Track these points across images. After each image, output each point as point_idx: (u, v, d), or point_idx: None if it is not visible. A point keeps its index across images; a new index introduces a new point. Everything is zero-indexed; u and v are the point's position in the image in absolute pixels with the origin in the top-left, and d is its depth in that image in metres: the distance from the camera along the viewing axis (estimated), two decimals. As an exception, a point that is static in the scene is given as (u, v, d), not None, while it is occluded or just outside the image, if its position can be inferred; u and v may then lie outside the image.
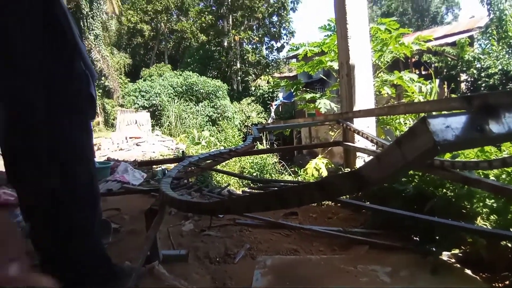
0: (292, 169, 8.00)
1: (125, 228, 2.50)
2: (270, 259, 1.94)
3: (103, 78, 19.35)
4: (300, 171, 5.88)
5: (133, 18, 25.89)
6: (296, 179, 5.70)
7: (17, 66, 1.09)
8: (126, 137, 13.39)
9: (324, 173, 4.50)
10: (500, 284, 1.61)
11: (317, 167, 4.57)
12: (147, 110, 17.22)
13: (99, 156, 9.32)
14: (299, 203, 0.91)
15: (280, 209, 2.31)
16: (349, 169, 3.36)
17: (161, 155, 10.36)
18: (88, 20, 17.55)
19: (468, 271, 1.75)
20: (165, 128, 17.00)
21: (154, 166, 5.12)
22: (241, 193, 3.32)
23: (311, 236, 2.26)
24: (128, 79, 22.16)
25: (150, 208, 1.66)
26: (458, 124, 0.57)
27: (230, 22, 25.45)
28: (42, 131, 1.12)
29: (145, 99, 17.72)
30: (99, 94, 18.57)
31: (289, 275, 1.78)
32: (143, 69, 23.82)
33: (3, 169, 1.15)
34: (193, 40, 28.17)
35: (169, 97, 17.78)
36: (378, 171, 0.68)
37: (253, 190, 2.95)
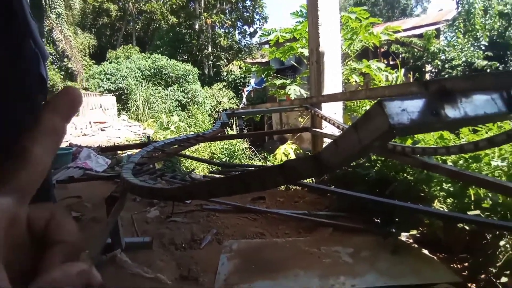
0: (262, 155, 8.06)
1: (87, 216, 2.40)
2: (236, 243, 1.95)
3: (65, 59, 18.06)
4: (270, 157, 5.93)
5: (99, -4, 24.26)
6: (263, 164, 5.75)
7: None
8: (90, 122, 12.73)
9: (293, 158, 4.56)
10: (458, 265, 1.71)
11: (286, 152, 4.63)
12: (112, 94, 16.38)
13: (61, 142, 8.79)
14: (262, 187, 0.90)
15: (243, 193, 2.31)
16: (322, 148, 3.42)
17: (127, 140, 9.98)
18: (50, -3, 16.19)
19: (426, 251, 1.86)
20: (132, 112, 16.33)
21: (119, 152, 4.92)
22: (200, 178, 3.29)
23: (277, 219, 2.30)
24: (93, 61, 20.86)
25: (111, 195, 1.58)
26: (414, 108, 0.58)
27: (202, 5, 24.57)
28: None
29: (110, 82, 16.82)
30: (61, 77, 17.40)
31: (254, 259, 1.81)
32: (109, 51, 22.44)
33: None
34: (163, 22, 26.92)
35: (137, 80, 17.02)
36: (336, 155, 0.68)
37: (215, 175, 2.92)
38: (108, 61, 19.45)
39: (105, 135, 10.92)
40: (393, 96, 1.64)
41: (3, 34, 1.07)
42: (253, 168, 3.11)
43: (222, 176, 2.25)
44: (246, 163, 6.14)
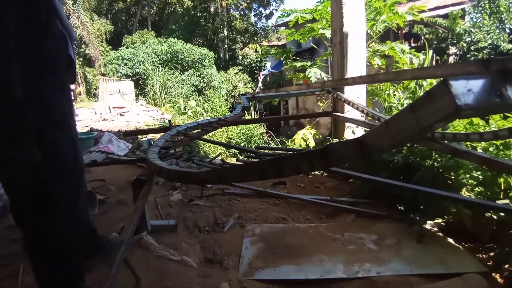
0: (279, 139, 8.00)
1: (111, 199, 2.45)
2: (259, 227, 1.95)
3: (83, 45, 18.30)
4: (288, 141, 5.87)
5: (114, -18, 24.24)
6: (296, 148, 5.72)
7: None
8: (109, 107, 12.99)
9: (312, 143, 4.50)
10: (484, 255, 1.66)
11: (305, 137, 4.56)
12: (130, 79, 16.55)
13: (82, 127, 9.03)
14: (297, 172, 0.87)
15: (276, 178, 2.29)
16: (337, 139, 3.36)
17: (146, 125, 10.14)
18: (65, -17, 16.26)
19: (451, 240, 1.81)
20: (149, 97, 16.49)
21: (139, 136, 4.99)
22: (233, 162, 3.29)
23: (299, 205, 2.28)
24: (110, 47, 21.03)
25: (138, 178, 1.60)
26: (479, 88, 0.53)
27: (217, -14, 24.22)
28: (17, 100, 1.01)
29: (128, 68, 16.96)
30: (80, 63, 17.67)
31: (278, 243, 1.80)
32: (126, 36, 22.54)
33: None
34: (177, 5, 26.70)
35: (153, 65, 17.09)
36: (387, 137, 0.64)
37: (247, 159, 2.91)
38: (125, 46, 19.58)
39: (125, 120, 11.13)
40: (446, 76, 1.55)
41: (31, 13, 1.06)
42: (285, 152, 3.06)
43: (256, 160, 2.23)
44: (276, 147, 6.08)
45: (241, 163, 1.93)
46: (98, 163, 3.43)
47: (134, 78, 16.67)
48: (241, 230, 1.94)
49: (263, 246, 1.78)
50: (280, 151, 3.78)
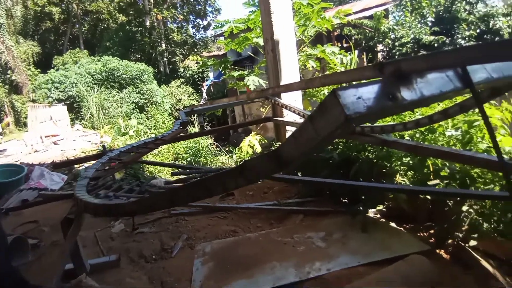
0: (227, 149, 7.97)
1: (45, 241, 2.21)
2: (209, 245, 1.90)
3: (9, 72, 16.54)
4: (235, 150, 5.86)
5: (40, 1, 22.17)
6: (222, 167, 5.68)
7: None
8: (41, 137, 11.78)
9: (258, 149, 4.55)
10: (424, 233, 1.79)
11: (251, 144, 4.60)
12: (63, 103, 15.22)
13: (11, 161, 8.08)
14: (224, 190, 0.85)
15: (207, 197, 2.25)
16: (280, 143, 3.43)
17: (82, 152, 9.35)
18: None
19: (393, 224, 1.94)
20: (86, 121, 15.30)
21: (75, 166, 4.59)
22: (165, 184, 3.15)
23: (248, 214, 2.28)
24: (38, 70, 19.22)
25: (66, 217, 1.45)
26: (370, 94, 0.56)
27: (152, 0, 23.54)
28: None
29: (59, 91, 15.60)
30: (6, 91, 15.93)
31: (229, 258, 1.77)
32: (55, 57, 20.75)
33: None
34: (111, 21, 25.40)
35: (88, 86, 15.94)
36: (296, 148, 0.65)
37: (179, 178, 2.79)
38: (55, 68, 18.07)
39: (59, 149, 10.18)
40: (349, 81, 1.65)
41: None
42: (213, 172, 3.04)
43: (181, 184, 2.17)
44: (204, 167, 5.96)
45: (167, 189, 1.87)
46: (29, 204, 3.08)
47: (68, 102, 15.38)
48: (190, 251, 1.87)
49: (214, 265, 1.73)
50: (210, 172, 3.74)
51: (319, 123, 0.57)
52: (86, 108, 15.34)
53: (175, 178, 3.42)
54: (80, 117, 15.56)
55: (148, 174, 4.68)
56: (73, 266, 1.56)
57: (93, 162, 3.99)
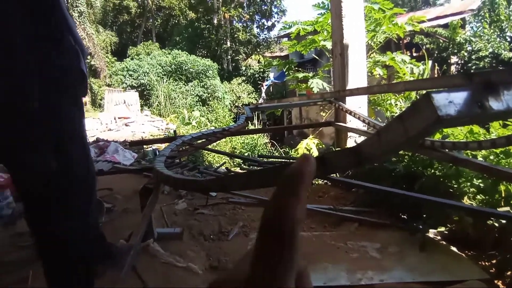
0: (283, 149, 8.04)
1: (118, 207, 2.50)
2: (264, 236, 1.98)
3: (89, 57, 18.69)
4: (291, 151, 5.90)
5: (118, -6, 24.83)
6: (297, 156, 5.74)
7: (4, 49, 1.04)
8: (114, 117, 13.15)
9: (315, 153, 4.54)
10: (486, 263, 1.67)
11: (308, 147, 4.60)
12: (135, 89, 16.82)
13: (88, 137, 9.14)
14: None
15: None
16: (340, 149, 3.39)
17: (151, 135, 10.24)
18: (72, -4, 16.74)
19: (454, 248, 1.82)
20: (154, 108, 16.70)
21: (144, 146, 5.06)
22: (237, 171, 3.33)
23: (303, 214, 2.30)
24: (115, 58, 21.43)
25: (145, 186, 1.65)
26: (460, 100, 0.58)
27: (220, -1, 24.70)
28: (35, 111, 1.08)
29: (133, 79, 17.26)
30: (85, 74, 17.99)
31: (282, 252, 1.82)
32: (130, 47, 23.00)
33: None
34: (181, 17, 27.22)
35: (158, 76, 17.36)
36: (379, 146, 0.68)
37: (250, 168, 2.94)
38: (130, 57, 19.93)
39: (130, 130, 11.25)
40: (434, 88, 1.60)
41: (45, 29, 1.13)
42: (288, 161, 3.10)
43: (257, 168, 2.28)
44: (277, 155, 6.10)
45: (244, 171, 1.98)
46: (105, 172, 3.49)
47: (139, 89, 16.93)
48: (245, 238, 1.97)
49: (267, 254, 1.80)
50: (280, 160, 3.82)
51: (409, 122, 0.60)
52: (155, 96, 16.69)
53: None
54: (148, 104, 16.99)
55: (207, 163, 4.96)
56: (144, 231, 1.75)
57: (162, 144, 4.35)
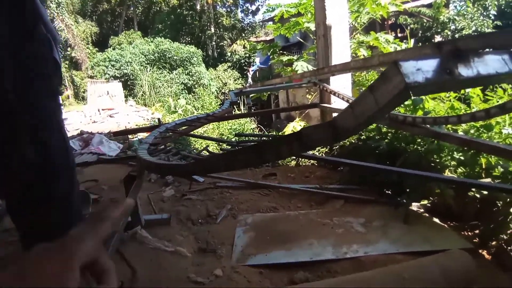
0: (271, 133, 8.06)
1: (104, 198, 2.48)
2: (251, 217, 2.01)
3: (69, 49, 18.11)
4: (279, 135, 5.92)
5: (97, -17, 23.89)
6: (278, 134, 5.77)
7: None
8: (98, 109, 12.89)
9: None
10: (469, 233, 1.73)
11: (295, 130, 4.63)
12: (118, 80, 16.44)
13: (72, 130, 8.96)
14: (277, 157, 0.92)
15: (259, 164, 2.32)
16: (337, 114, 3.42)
17: (136, 125, 10.09)
18: (48, -14, 16.00)
19: (437, 220, 1.89)
20: (139, 98, 16.41)
21: (130, 136, 5.00)
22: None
23: (289, 194, 2.34)
24: (96, 49, 20.85)
25: (129, 174, 1.64)
26: (429, 67, 0.59)
27: (202, -16, 24.03)
28: (10, 100, 1.05)
29: (115, 69, 16.83)
30: (66, 66, 17.50)
31: (269, 231, 1.86)
32: (112, 37, 22.30)
33: None
34: (163, 4, 26.46)
35: (141, 65, 16.99)
36: (353, 119, 0.70)
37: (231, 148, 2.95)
38: (111, 47, 19.39)
39: (115, 121, 11.07)
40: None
41: (15, 18, 1.09)
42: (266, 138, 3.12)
43: (237, 148, 2.28)
44: (259, 133, 6.11)
45: (224, 152, 1.99)
46: (90, 163, 3.45)
47: (122, 79, 16.57)
48: (233, 220, 1.99)
49: (255, 235, 1.83)
50: (258, 138, 3.83)
51: (378, 91, 0.61)
52: (139, 86, 16.39)
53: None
54: (133, 94, 16.69)
55: (195, 150, 4.94)
56: (130, 219, 1.75)
57: (147, 134, 4.31)
